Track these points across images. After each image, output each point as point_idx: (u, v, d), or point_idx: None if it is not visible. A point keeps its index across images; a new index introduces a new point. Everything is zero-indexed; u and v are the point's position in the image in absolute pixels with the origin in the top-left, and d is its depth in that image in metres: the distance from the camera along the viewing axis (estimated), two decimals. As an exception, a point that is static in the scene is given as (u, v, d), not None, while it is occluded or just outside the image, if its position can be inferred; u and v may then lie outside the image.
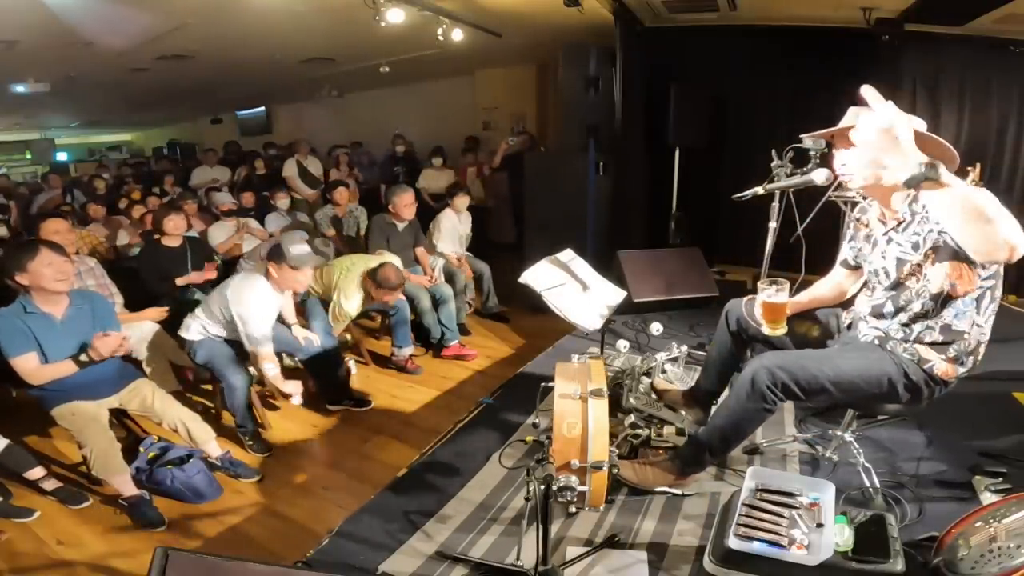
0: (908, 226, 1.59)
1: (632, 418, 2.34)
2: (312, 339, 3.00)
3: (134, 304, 3.18)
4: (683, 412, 2.40)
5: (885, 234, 1.68)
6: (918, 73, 4.34)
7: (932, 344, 1.63)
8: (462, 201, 4.34)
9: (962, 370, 1.64)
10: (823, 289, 2.03)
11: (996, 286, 1.58)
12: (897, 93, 4.35)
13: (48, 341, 2.18)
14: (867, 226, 1.79)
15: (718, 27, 4.74)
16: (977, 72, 4.17)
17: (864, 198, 1.83)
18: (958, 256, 1.49)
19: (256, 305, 2.61)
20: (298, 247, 2.64)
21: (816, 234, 3.03)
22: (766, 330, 1.78)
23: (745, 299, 2.02)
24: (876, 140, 1.33)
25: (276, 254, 2.65)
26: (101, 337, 2.15)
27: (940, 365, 1.63)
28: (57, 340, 2.19)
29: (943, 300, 1.59)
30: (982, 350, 1.65)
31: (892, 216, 1.65)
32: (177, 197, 5.16)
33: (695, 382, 2.38)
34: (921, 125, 1.56)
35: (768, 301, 1.75)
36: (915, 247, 1.58)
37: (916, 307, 1.65)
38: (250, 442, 2.70)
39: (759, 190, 2.63)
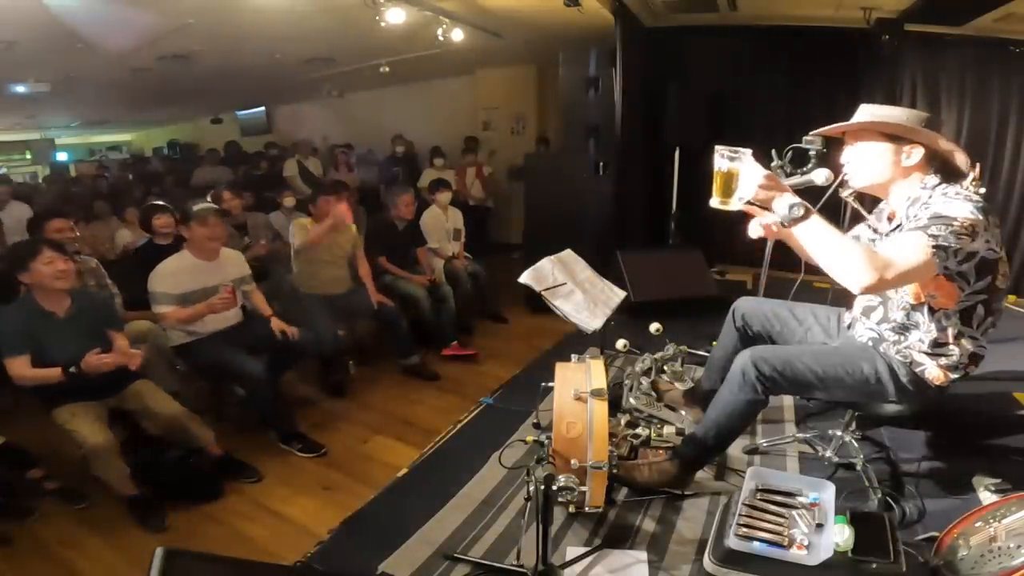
0: (900, 228, 1.59)
1: (632, 418, 2.35)
2: (288, 331, 2.92)
3: (135, 303, 3.18)
4: (683, 412, 2.40)
5: (887, 234, 1.68)
6: (918, 73, 4.34)
7: (923, 351, 1.64)
8: (444, 196, 4.34)
9: (955, 376, 1.64)
10: None
11: (993, 299, 1.56)
12: (897, 93, 4.36)
13: (49, 339, 2.18)
14: (875, 220, 1.79)
15: (718, 27, 4.74)
16: (977, 72, 4.17)
17: (858, 197, 1.82)
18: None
19: (162, 270, 2.64)
20: (198, 203, 2.74)
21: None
22: (713, 201, 1.58)
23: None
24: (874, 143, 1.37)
25: (183, 217, 2.72)
26: (95, 355, 2.13)
27: (932, 371, 1.63)
28: (58, 338, 2.20)
29: (928, 312, 1.60)
30: (980, 360, 1.64)
31: (893, 216, 1.66)
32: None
33: (697, 381, 2.38)
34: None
35: (721, 170, 1.54)
36: None
37: (900, 317, 1.66)
38: (298, 445, 2.66)
39: (759, 190, 2.63)
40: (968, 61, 4.17)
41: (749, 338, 2.14)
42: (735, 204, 1.54)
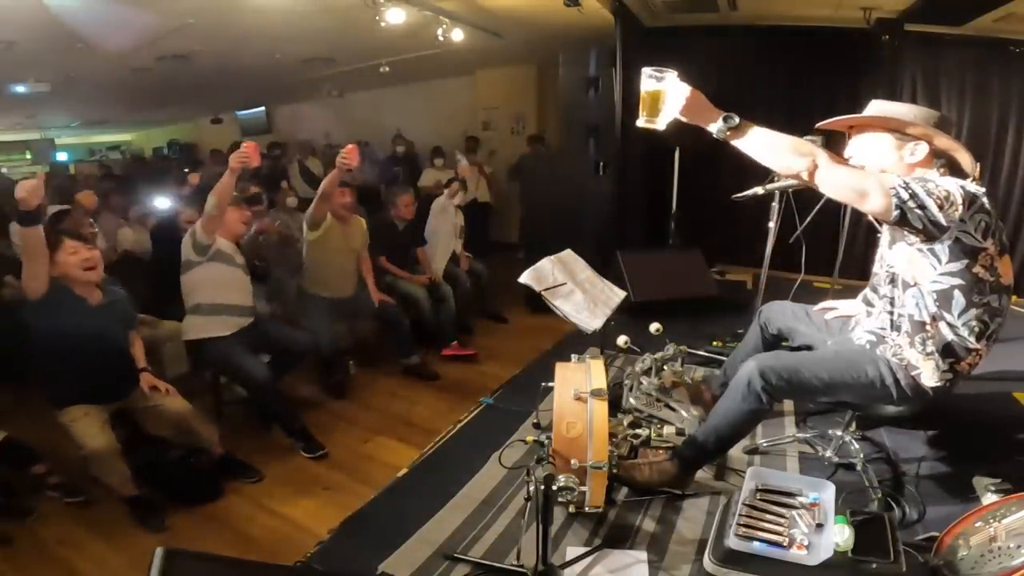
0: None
1: (632, 418, 2.35)
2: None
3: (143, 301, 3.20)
4: (685, 412, 2.40)
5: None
6: (918, 73, 4.34)
7: (912, 341, 1.64)
8: (456, 192, 4.35)
9: (948, 376, 1.62)
10: None
11: (972, 290, 1.53)
12: (897, 93, 4.36)
13: (80, 323, 2.16)
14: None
15: (718, 27, 4.74)
16: (977, 72, 4.17)
17: None
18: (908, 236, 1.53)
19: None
20: None
21: (816, 234, 3.04)
22: (640, 121, 1.64)
23: None
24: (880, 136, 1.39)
25: None
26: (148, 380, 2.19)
27: (926, 374, 1.62)
28: (89, 324, 2.19)
29: (903, 285, 1.63)
30: (970, 357, 1.61)
31: None
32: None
33: (713, 377, 2.41)
34: (932, 116, 1.59)
35: (648, 90, 1.59)
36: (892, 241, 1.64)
37: (887, 291, 1.70)
38: (301, 444, 2.66)
39: (759, 190, 2.64)
40: (968, 61, 4.17)
41: (767, 339, 2.21)
42: (661, 123, 1.60)
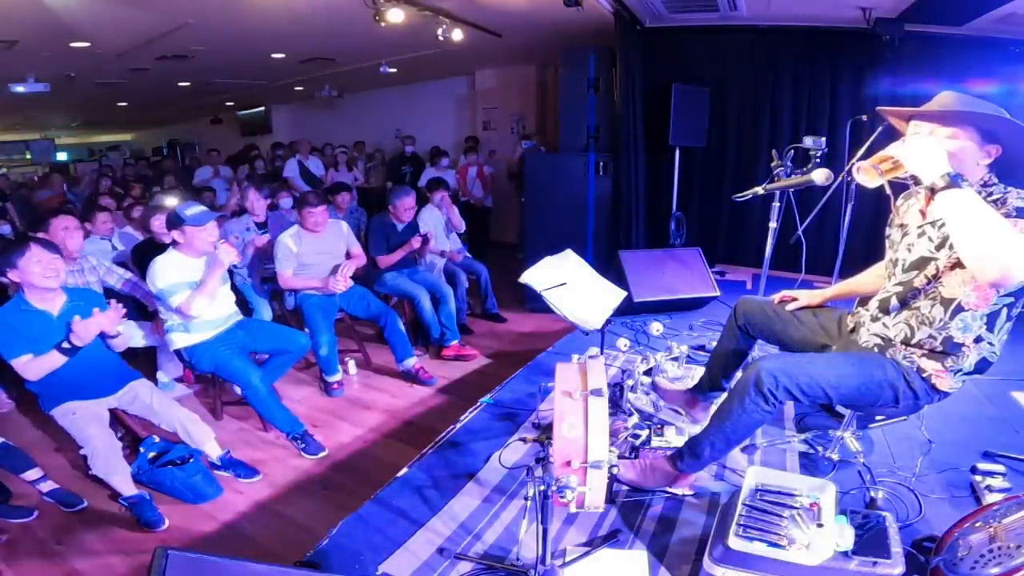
0: (944, 223, 1.51)
1: (633, 418, 2.35)
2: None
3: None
4: (683, 412, 2.40)
5: (920, 226, 1.63)
6: (918, 73, 4.34)
7: (932, 353, 1.61)
8: (440, 196, 4.38)
9: (962, 382, 1.62)
10: (865, 277, 2.01)
11: (1017, 302, 1.51)
12: (897, 93, 4.36)
13: (46, 338, 2.17)
14: (902, 214, 1.74)
15: (718, 27, 4.74)
16: (977, 72, 4.17)
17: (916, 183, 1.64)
18: None
19: (166, 262, 2.63)
20: (191, 207, 2.69)
21: (816, 234, 3.04)
22: (864, 171, 1.49)
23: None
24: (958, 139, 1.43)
25: (175, 221, 2.65)
26: (79, 322, 2.13)
27: (939, 377, 1.61)
28: (55, 336, 2.19)
29: (954, 310, 1.55)
30: (987, 368, 1.61)
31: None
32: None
33: (699, 380, 2.38)
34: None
35: (889, 153, 1.45)
36: (940, 246, 1.54)
37: (924, 308, 1.61)
38: (301, 445, 2.67)
39: (759, 190, 2.64)
40: (968, 61, 4.17)
41: (750, 337, 2.15)
42: (876, 181, 1.49)
